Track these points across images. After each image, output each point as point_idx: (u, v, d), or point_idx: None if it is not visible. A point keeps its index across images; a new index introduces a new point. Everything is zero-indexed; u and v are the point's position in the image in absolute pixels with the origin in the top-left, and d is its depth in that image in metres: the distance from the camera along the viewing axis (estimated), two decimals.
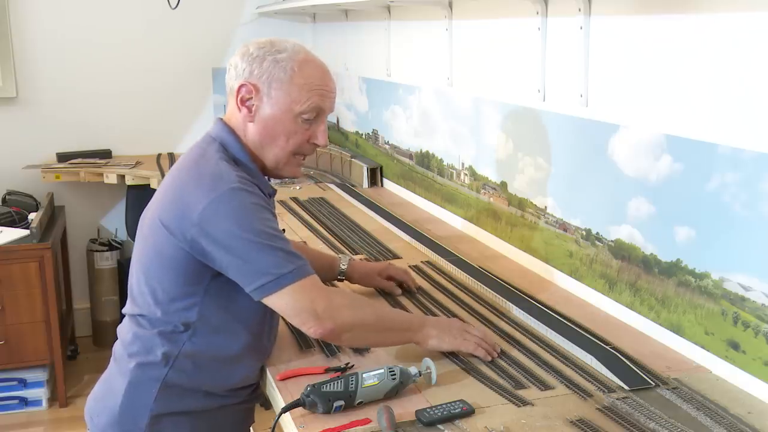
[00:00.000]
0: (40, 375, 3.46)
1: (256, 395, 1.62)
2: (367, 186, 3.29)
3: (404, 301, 1.91)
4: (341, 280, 1.93)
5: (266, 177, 1.58)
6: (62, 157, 3.93)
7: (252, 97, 1.50)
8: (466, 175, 2.55)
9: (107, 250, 4.06)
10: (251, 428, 1.70)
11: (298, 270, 1.41)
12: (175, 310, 1.47)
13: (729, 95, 1.46)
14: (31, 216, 3.59)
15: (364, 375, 1.38)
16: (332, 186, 3.29)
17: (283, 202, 2.94)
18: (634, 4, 1.71)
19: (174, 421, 1.50)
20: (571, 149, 1.97)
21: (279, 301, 1.41)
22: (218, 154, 1.49)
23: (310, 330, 1.43)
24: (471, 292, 1.97)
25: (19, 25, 3.91)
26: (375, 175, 3.33)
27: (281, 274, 1.39)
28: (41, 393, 3.47)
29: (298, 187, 3.27)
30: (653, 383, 1.46)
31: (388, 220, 2.64)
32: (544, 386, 1.46)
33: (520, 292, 1.94)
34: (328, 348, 1.62)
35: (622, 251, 1.78)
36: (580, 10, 1.84)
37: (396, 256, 2.28)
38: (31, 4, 3.92)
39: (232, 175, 1.43)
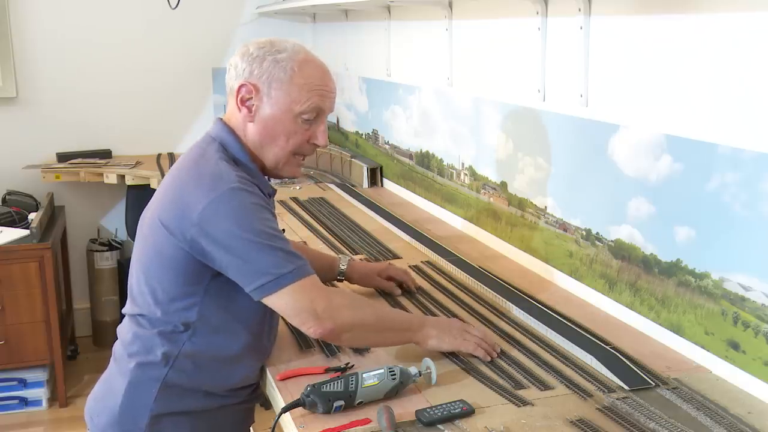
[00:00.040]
0: (40, 375, 3.46)
1: (256, 395, 1.62)
2: (367, 186, 3.29)
3: (404, 301, 1.91)
4: (341, 281, 1.93)
5: (266, 177, 1.58)
6: (62, 157, 3.93)
7: (252, 97, 1.50)
8: (466, 175, 2.55)
9: (107, 250, 4.06)
10: (251, 428, 1.70)
11: (297, 270, 1.41)
12: (175, 310, 1.47)
13: (729, 95, 1.46)
14: (31, 216, 3.59)
15: (364, 375, 1.38)
16: (332, 186, 3.29)
17: (283, 202, 2.94)
18: (634, 4, 1.71)
19: (174, 421, 1.50)
20: (571, 149, 1.97)
21: (279, 301, 1.41)
22: (218, 154, 1.49)
23: (310, 330, 1.43)
24: (471, 292, 1.97)
25: (19, 25, 3.91)
26: (375, 175, 3.33)
27: (281, 274, 1.39)
28: (41, 393, 3.47)
29: (298, 187, 3.27)
30: (653, 383, 1.46)
31: (388, 220, 2.64)
32: (544, 386, 1.46)
33: (520, 292, 1.94)
34: (328, 348, 1.62)
35: (622, 251, 1.78)
36: (580, 10, 1.84)
37: (396, 256, 2.28)
38: (31, 4, 3.92)
39: (231, 175, 1.43)
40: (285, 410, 1.37)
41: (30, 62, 3.96)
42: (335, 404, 1.34)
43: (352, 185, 3.31)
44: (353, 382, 1.36)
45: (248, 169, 1.51)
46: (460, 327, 1.60)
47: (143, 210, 1.57)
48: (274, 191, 1.60)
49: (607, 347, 1.61)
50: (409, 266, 2.15)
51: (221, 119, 1.56)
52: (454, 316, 1.80)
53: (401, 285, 1.95)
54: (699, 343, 1.56)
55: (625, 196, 1.75)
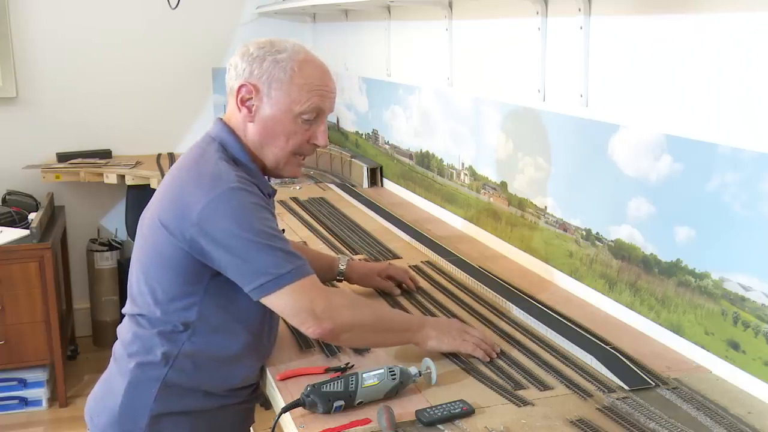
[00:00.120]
0: (40, 375, 3.46)
1: (256, 395, 1.62)
2: (367, 186, 3.29)
3: (404, 301, 1.91)
4: (340, 281, 1.93)
5: (266, 177, 1.58)
6: (62, 157, 3.93)
7: (252, 98, 1.50)
8: (466, 175, 2.55)
9: (107, 250, 4.06)
10: (251, 428, 1.70)
11: (297, 270, 1.41)
12: (175, 310, 1.47)
13: (729, 95, 1.46)
14: (31, 216, 3.59)
15: (364, 375, 1.38)
16: (332, 186, 3.29)
17: (283, 202, 2.94)
18: (634, 4, 1.71)
19: (174, 421, 1.50)
20: (571, 149, 1.97)
21: (278, 301, 1.41)
22: (218, 154, 1.49)
23: (309, 330, 1.43)
24: (471, 292, 1.97)
25: (19, 25, 3.91)
26: (375, 175, 3.33)
27: (280, 274, 1.39)
28: (41, 393, 3.47)
29: (298, 187, 3.27)
30: (653, 383, 1.46)
31: (388, 220, 2.64)
32: (544, 386, 1.46)
33: (520, 292, 1.94)
34: (328, 348, 1.62)
35: (622, 251, 1.78)
36: (580, 10, 1.84)
37: (396, 256, 2.28)
38: (31, 4, 3.92)
39: (231, 175, 1.43)
40: (285, 410, 1.37)
41: (30, 62, 3.96)
42: (335, 404, 1.34)
43: (352, 185, 3.31)
44: (353, 382, 1.36)
45: (248, 169, 1.51)
46: (459, 328, 1.60)
47: (143, 210, 1.57)
48: (274, 191, 1.60)
49: (607, 347, 1.61)
50: (409, 266, 2.15)
51: (221, 119, 1.56)
52: (454, 316, 1.79)
53: (401, 285, 1.95)
54: (699, 343, 1.56)
55: (625, 196, 1.75)
